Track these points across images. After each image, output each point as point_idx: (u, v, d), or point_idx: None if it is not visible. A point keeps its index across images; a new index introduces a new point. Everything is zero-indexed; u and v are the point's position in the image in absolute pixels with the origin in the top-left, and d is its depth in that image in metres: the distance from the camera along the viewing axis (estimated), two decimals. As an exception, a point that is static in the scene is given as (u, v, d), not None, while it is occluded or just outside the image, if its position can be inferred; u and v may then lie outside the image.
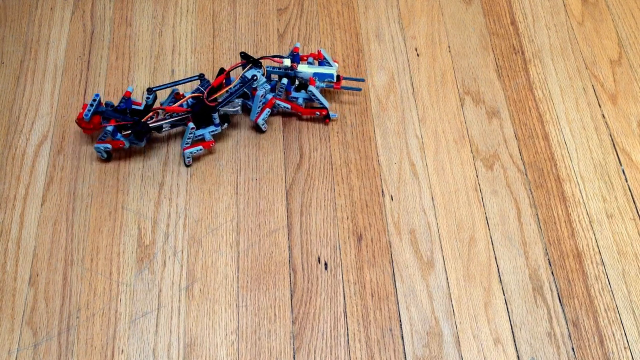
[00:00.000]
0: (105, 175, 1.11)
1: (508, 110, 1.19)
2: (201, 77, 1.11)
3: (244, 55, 1.12)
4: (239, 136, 1.16)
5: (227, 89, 1.10)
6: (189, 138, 1.08)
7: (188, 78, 1.13)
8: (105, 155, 1.11)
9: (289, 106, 1.13)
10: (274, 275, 1.03)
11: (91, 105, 1.07)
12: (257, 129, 1.15)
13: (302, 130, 1.16)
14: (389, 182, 1.12)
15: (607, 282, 1.03)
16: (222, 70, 1.11)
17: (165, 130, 1.11)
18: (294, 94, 1.14)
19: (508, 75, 1.23)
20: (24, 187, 1.10)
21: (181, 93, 1.12)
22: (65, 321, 0.99)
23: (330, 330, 0.99)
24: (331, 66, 1.15)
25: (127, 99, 1.10)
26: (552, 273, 1.04)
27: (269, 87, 1.12)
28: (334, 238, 1.06)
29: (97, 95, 1.08)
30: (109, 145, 1.08)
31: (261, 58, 1.14)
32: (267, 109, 1.11)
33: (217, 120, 1.10)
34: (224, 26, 1.29)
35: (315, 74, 1.14)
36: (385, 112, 1.19)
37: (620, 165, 1.14)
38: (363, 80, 1.18)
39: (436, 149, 1.15)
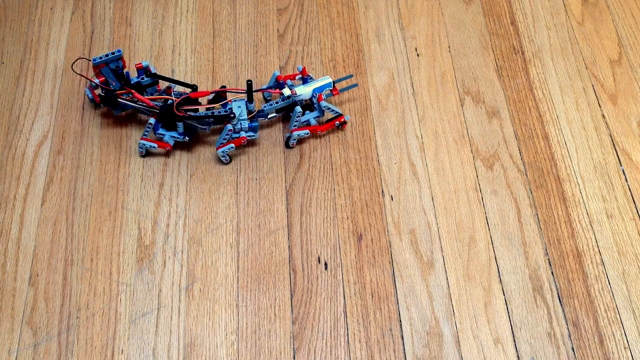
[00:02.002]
0: (105, 175, 1.11)
1: (508, 110, 1.19)
2: (194, 88, 1.09)
3: (248, 85, 1.08)
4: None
5: (207, 106, 1.10)
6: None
7: (184, 82, 1.11)
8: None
9: (308, 131, 1.12)
10: (274, 275, 1.03)
11: (106, 55, 1.08)
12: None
13: (302, 130, 1.16)
14: (389, 182, 1.11)
15: (607, 282, 1.03)
16: (222, 88, 1.10)
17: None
18: (302, 118, 1.12)
19: (508, 75, 1.23)
20: (24, 187, 1.10)
21: (171, 90, 1.12)
22: (65, 321, 0.99)
23: (330, 330, 0.99)
24: (314, 80, 1.13)
25: (141, 70, 1.11)
26: (552, 273, 1.04)
27: (247, 126, 1.09)
28: (334, 238, 1.06)
29: (119, 50, 1.09)
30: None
31: (256, 90, 1.12)
32: (232, 145, 1.09)
33: (181, 130, 1.09)
34: (224, 26, 1.29)
35: (315, 90, 1.12)
36: (385, 112, 1.19)
37: (620, 165, 1.14)
38: (351, 76, 1.17)
39: (436, 149, 1.15)
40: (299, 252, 1.05)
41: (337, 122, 1.14)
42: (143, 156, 1.12)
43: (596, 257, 1.05)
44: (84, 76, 1.17)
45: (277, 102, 1.12)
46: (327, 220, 1.08)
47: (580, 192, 1.11)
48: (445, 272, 1.04)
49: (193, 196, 1.10)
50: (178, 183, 1.11)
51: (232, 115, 1.08)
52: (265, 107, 1.11)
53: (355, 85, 1.18)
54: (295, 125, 1.11)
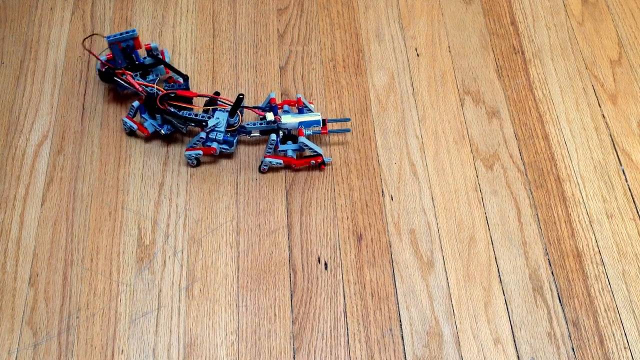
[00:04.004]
0: (105, 175, 1.11)
1: (508, 110, 1.19)
2: (185, 78, 1.12)
3: (237, 99, 1.07)
4: (239, 136, 1.15)
5: (193, 107, 1.10)
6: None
7: (178, 70, 1.12)
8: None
9: (281, 161, 1.09)
10: (274, 275, 1.03)
11: (120, 34, 1.12)
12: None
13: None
14: (389, 182, 1.11)
15: (607, 282, 1.03)
16: (216, 94, 1.10)
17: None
18: (281, 147, 1.09)
19: (508, 75, 1.23)
20: (24, 187, 1.10)
21: (172, 80, 1.14)
22: (65, 321, 0.99)
23: (330, 330, 0.99)
24: (311, 111, 1.11)
25: (150, 51, 1.15)
26: (552, 273, 1.04)
27: (222, 138, 1.08)
28: (334, 238, 1.06)
29: (134, 30, 1.12)
30: (200, 152, 1.08)
31: (245, 107, 1.10)
32: (201, 152, 1.08)
33: (159, 121, 1.10)
34: (224, 26, 1.29)
35: (300, 123, 1.09)
36: (385, 112, 1.19)
37: (620, 165, 1.14)
38: (349, 119, 1.14)
39: (436, 149, 1.15)
40: (299, 252, 1.05)
41: (314, 161, 1.09)
42: (128, 134, 1.15)
43: (596, 257, 1.05)
44: (90, 52, 1.19)
45: (260, 124, 1.10)
46: (327, 220, 1.08)
47: (580, 192, 1.11)
48: (445, 272, 1.04)
49: (193, 196, 1.10)
50: (178, 183, 1.11)
51: (203, 123, 1.07)
52: (248, 124, 1.10)
53: (348, 130, 1.13)
54: (268, 152, 1.08)
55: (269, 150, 1.08)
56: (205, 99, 1.12)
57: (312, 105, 1.13)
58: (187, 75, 1.12)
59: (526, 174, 1.13)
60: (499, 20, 1.30)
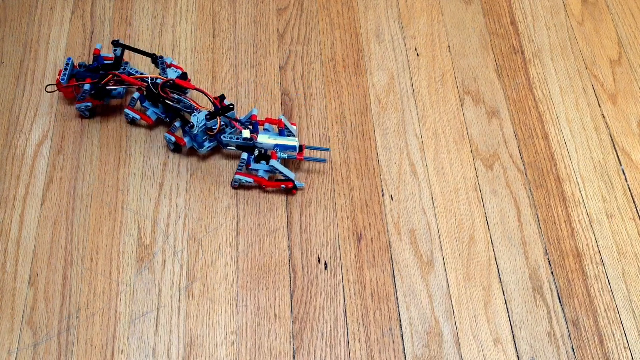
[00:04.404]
0: (105, 175, 1.11)
1: (508, 110, 1.19)
2: (153, 57, 1.12)
3: (225, 107, 1.07)
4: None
5: (185, 99, 1.09)
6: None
7: (144, 51, 1.13)
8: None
9: (252, 180, 1.07)
10: (274, 275, 1.03)
11: (65, 69, 1.12)
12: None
13: (302, 131, 1.16)
14: (389, 182, 1.11)
15: (607, 282, 1.03)
16: (222, 97, 1.10)
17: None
18: (254, 165, 1.07)
19: (508, 75, 1.23)
20: (24, 187, 1.10)
21: (169, 64, 1.14)
22: (65, 321, 0.99)
23: (330, 330, 0.99)
24: (293, 135, 1.10)
25: (97, 56, 1.14)
26: (552, 273, 1.04)
27: (194, 135, 1.07)
28: (334, 238, 1.06)
29: (69, 59, 1.12)
30: (173, 138, 1.10)
31: (228, 117, 1.08)
32: (173, 138, 1.09)
33: (162, 109, 1.13)
34: (224, 26, 1.29)
35: (276, 146, 1.07)
36: (385, 112, 1.19)
37: (620, 165, 1.14)
38: (328, 150, 1.11)
39: (436, 149, 1.15)
40: (299, 252, 1.05)
41: (284, 186, 1.08)
42: (130, 123, 1.16)
43: (596, 257, 1.05)
44: (76, 92, 1.13)
45: (237, 138, 1.08)
46: (327, 220, 1.08)
47: (580, 192, 1.11)
48: (445, 272, 1.04)
49: (193, 196, 1.10)
50: (178, 183, 1.11)
51: (191, 125, 1.05)
52: (225, 136, 1.08)
53: (324, 160, 1.10)
54: (240, 169, 1.07)
55: (240, 167, 1.07)
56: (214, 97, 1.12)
57: (294, 128, 1.10)
58: (155, 55, 1.12)
59: (526, 174, 1.13)
60: (499, 20, 1.30)
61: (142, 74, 1.13)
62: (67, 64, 1.12)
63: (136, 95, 1.11)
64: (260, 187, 1.10)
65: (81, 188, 1.10)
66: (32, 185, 1.10)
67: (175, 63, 1.15)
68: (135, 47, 1.16)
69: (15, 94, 1.20)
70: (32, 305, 1.00)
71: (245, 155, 1.06)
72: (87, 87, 1.09)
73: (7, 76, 1.22)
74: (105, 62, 1.15)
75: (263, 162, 1.07)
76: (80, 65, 1.14)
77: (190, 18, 1.29)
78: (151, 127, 1.16)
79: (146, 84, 1.09)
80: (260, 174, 1.08)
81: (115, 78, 1.11)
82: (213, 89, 1.21)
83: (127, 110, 1.13)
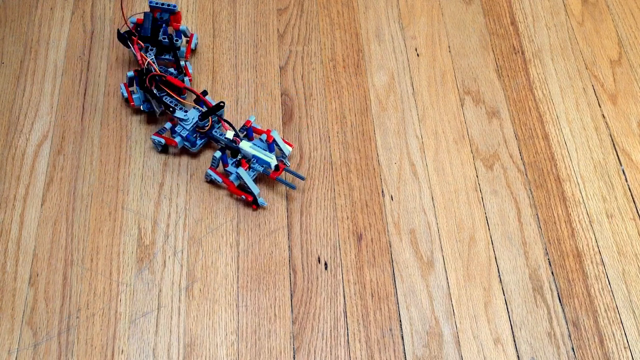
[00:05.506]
0: (105, 175, 1.11)
1: (508, 110, 1.19)
2: (180, 70, 1.14)
3: (216, 105, 1.07)
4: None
5: (187, 103, 1.10)
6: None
7: (179, 62, 1.14)
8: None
9: (221, 180, 1.07)
10: (274, 275, 1.03)
11: (162, 3, 1.16)
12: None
13: (302, 131, 1.16)
14: (389, 182, 1.12)
15: (607, 282, 1.03)
16: (204, 93, 1.11)
17: (152, 109, 1.13)
18: (230, 168, 1.07)
19: (508, 75, 1.23)
20: (24, 187, 1.10)
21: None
22: (65, 321, 0.99)
23: (330, 330, 0.99)
24: (284, 153, 1.09)
25: (175, 31, 1.17)
26: (552, 273, 1.04)
27: (185, 135, 1.08)
28: (334, 238, 1.06)
29: (174, 5, 1.16)
30: (163, 140, 1.10)
31: (218, 116, 1.09)
32: (163, 140, 1.09)
33: (142, 97, 1.13)
34: (224, 26, 1.29)
35: (254, 157, 1.06)
36: (385, 112, 1.19)
37: (620, 165, 1.14)
38: (304, 178, 1.08)
39: (436, 149, 1.15)
40: (299, 252, 1.05)
41: (244, 197, 1.07)
42: (125, 101, 1.18)
43: (596, 257, 1.05)
44: (122, 9, 1.23)
45: (225, 138, 1.08)
46: (327, 220, 1.08)
47: (580, 192, 1.11)
48: (445, 272, 1.04)
49: (193, 196, 1.10)
50: (178, 183, 1.11)
51: (170, 109, 1.07)
52: (215, 132, 1.09)
53: (294, 187, 1.07)
54: (213, 165, 1.08)
55: (213, 164, 1.08)
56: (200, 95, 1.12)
57: (288, 148, 1.08)
58: (181, 67, 1.15)
59: (526, 174, 1.13)
60: (499, 20, 1.30)
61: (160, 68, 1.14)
62: (169, 5, 1.15)
63: (130, 73, 1.13)
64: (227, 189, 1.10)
65: (81, 188, 1.10)
66: (32, 185, 1.10)
67: (190, 71, 1.17)
68: (177, 54, 1.14)
69: (15, 94, 1.20)
70: (32, 305, 1.00)
71: (217, 154, 1.07)
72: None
73: (7, 76, 1.22)
74: (164, 41, 1.16)
75: (240, 167, 1.07)
76: (162, 19, 1.16)
77: (190, 18, 1.29)
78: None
79: (140, 68, 1.11)
80: (232, 177, 1.07)
81: (139, 46, 1.13)
82: (213, 88, 1.21)
83: (122, 85, 1.14)
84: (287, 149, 1.09)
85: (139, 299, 1.01)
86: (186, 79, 1.14)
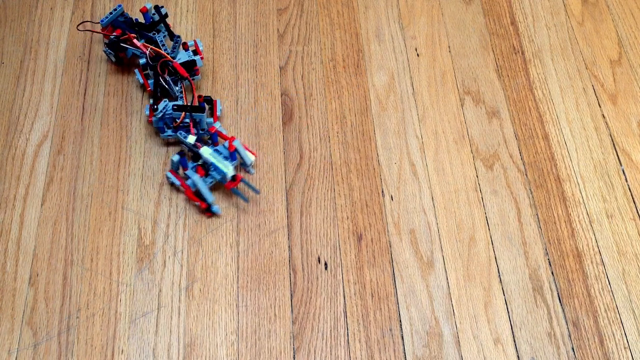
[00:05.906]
0: (105, 175, 1.11)
1: (508, 110, 1.19)
2: (176, 39, 1.15)
3: (206, 99, 1.12)
4: (239, 136, 1.16)
5: (176, 86, 1.11)
6: (172, 165, 1.09)
7: (171, 32, 1.16)
8: (113, 60, 1.18)
9: (179, 182, 1.07)
10: (274, 275, 1.03)
11: (111, 13, 1.16)
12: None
13: (302, 130, 1.16)
14: (389, 182, 1.12)
15: (607, 282, 1.03)
16: (210, 100, 1.13)
17: (187, 144, 1.11)
18: (189, 172, 1.06)
19: (508, 75, 1.23)
20: (24, 187, 1.10)
21: (186, 44, 1.16)
22: (65, 321, 0.99)
23: (330, 330, 0.99)
24: (247, 164, 1.09)
25: (144, 13, 1.16)
26: (552, 273, 1.04)
27: (157, 118, 1.08)
28: (334, 238, 1.06)
29: (120, 5, 1.16)
30: (114, 59, 1.18)
31: (192, 119, 1.09)
32: (177, 182, 1.08)
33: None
34: (224, 26, 1.29)
35: (213, 165, 1.05)
36: (385, 112, 1.19)
37: (620, 165, 1.14)
38: (258, 192, 1.08)
39: (436, 149, 1.15)
40: (299, 252, 1.05)
41: (198, 203, 1.06)
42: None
43: (596, 257, 1.05)
44: (93, 31, 1.24)
45: (187, 142, 1.07)
46: (327, 220, 1.08)
47: (580, 192, 1.11)
48: (445, 272, 1.04)
49: (193, 196, 1.10)
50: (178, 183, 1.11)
51: (155, 107, 1.09)
52: (181, 132, 1.08)
53: (247, 200, 1.07)
54: (172, 168, 1.08)
55: (172, 166, 1.08)
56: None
57: (250, 157, 1.08)
58: (178, 36, 1.16)
59: (526, 174, 1.13)
60: (499, 20, 1.30)
61: (165, 49, 1.15)
62: (115, 9, 1.16)
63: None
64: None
65: (81, 188, 1.10)
66: (32, 185, 1.10)
67: (201, 48, 1.17)
68: (167, 24, 1.18)
69: (15, 94, 1.20)
70: (32, 305, 1.00)
71: (176, 157, 1.06)
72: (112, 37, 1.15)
73: (7, 76, 1.22)
74: (140, 22, 1.18)
75: (196, 174, 1.07)
76: (125, 17, 1.17)
77: (190, 18, 1.29)
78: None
79: (147, 54, 1.12)
80: (189, 182, 1.07)
81: (128, 39, 1.14)
82: (213, 88, 1.21)
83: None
84: (249, 158, 1.09)
85: (139, 299, 1.01)
86: (197, 57, 1.15)
